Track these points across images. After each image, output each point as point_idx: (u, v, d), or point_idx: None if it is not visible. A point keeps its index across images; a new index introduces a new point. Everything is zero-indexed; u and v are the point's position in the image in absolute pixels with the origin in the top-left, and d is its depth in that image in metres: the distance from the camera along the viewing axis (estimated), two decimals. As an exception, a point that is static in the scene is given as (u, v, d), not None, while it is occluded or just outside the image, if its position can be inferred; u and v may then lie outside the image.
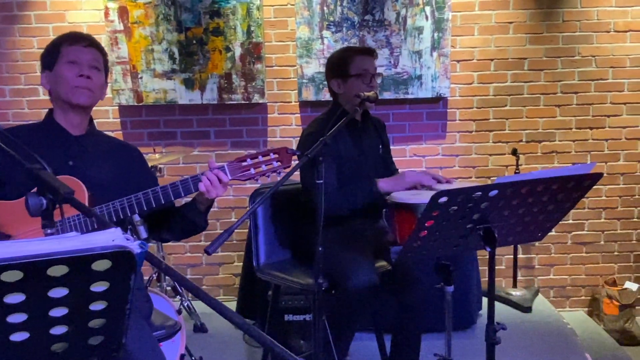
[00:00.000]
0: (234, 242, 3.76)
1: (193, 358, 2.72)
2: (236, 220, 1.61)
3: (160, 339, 1.97)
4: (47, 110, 1.92)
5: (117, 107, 3.66)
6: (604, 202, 3.78)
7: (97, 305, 0.90)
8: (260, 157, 1.81)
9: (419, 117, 3.73)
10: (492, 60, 3.66)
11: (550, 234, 1.92)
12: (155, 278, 3.32)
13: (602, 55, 3.64)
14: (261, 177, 1.82)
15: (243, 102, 3.61)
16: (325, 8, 3.52)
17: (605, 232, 3.80)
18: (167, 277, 3.26)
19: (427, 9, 3.53)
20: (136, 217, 2.24)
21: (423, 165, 3.74)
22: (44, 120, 1.91)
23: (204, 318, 3.31)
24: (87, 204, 1.71)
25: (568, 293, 3.87)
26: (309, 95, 3.60)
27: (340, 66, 2.49)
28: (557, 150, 3.73)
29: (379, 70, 2.71)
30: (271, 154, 1.81)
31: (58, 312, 0.88)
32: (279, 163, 1.81)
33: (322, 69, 2.61)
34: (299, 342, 2.91)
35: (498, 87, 3.69)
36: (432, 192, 1.54)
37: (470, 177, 3.76)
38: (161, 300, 2.59)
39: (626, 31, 3.62)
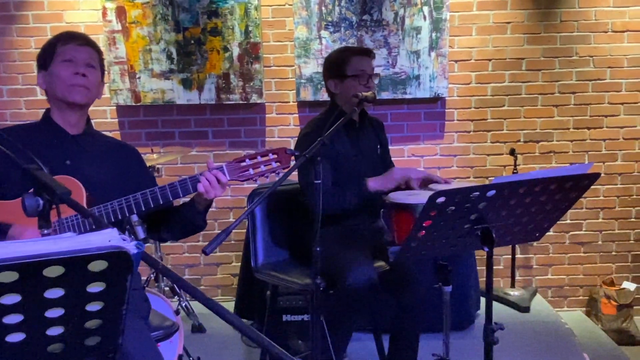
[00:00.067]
0: (232, 242, 3.76)
1: (191, 358, 2.72)
2: (234, 220, 1.61)
3: (158, 339, 1.96)
4: (44, 110, 1.92)
5: (114, 107, 3.66)
6: (602, 202, 3.78)
7: (94, 306, 0.90)
8: (259, 157, 1.81)
9: (417, 117, 3.73)
10: (490, 60, 3.66)
11: (548, 234, 1.92)
12: (153, 278, 3.31)
13: (600, 56, 3.64)
14: (260, 177, 1.81)
15: (241, 102, 3.61)
16: (323, 8, 3.52)
17: (603, 232, 3.81)
18: (165, 278, 3.26)
19: (425, 9, 3.53)
20: (134, 218, 2.24)
21: (421, 166, 3.74)
22: (41, 119, 1.91)
23: (202, 318, 3.30)
24: (85, 204, 1.71)
25: (566, 293, 3.87)
26: (307, 95, 3.60)
27: (337, 66, 2.49)
28: (554, 150, 3.73)
29: (376, 70, 2.71)
30: (270, 155, 1.81)
31: (54, 312, 0.88)
32: (278, 163, 1.81)
33: (320, 69, 2.62)
34: (297, 342, 2.91)
35: (496, 87, 3.69)
36: (430, 193, 1.54)
37: (468, 177, 3.76)
38: (159, 300, 2.59)
39: (624, 31, 3.62)
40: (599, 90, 3.68)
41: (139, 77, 3.55)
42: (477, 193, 1.56)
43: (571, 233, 3.81)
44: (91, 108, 1.96)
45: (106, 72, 3.38)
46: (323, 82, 2.63)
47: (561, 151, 3.73)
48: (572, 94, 3.69)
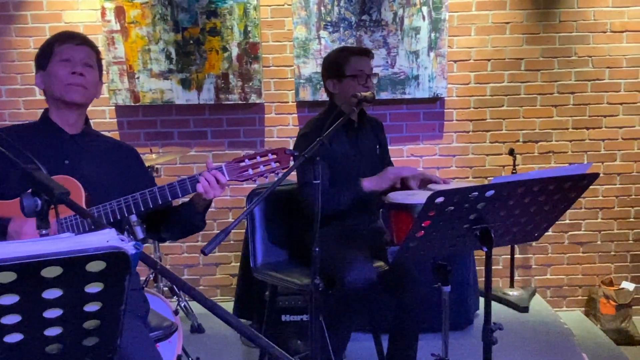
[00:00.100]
0: (231, 242, 3.75)
1: (190, 359, 2.72)
2: (233, 220, 1.61)
3: (156, 339, 1.96)
4: (43, 110, 1.92)
5: (113, 107, 3.65)
6: (601, 202, 3.78)
7: (92, 307, 0.90)
8: (258, 157, 1.80)
9: (416, 117, 3.73)
10: (489, 60, 3.66)
11: (547, 233, 1.92)
12: (152, 278, 3.31)
13: (599, 56, 3.64)
14: (259, 177, 1.81)
15: (240, 102, 3.60)
16: (322, 8, 3.52)
17: (602, 232, 3.81)
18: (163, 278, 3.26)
19: (424, 9, 3.53)
20: (133, 218, 2.23)
21: (420, 166, 3.74)
22: (39, 119, 1.91)
23: (201, 319, 3.30)
24: (84, 203, 1.70)
25: (565, 293, 3.87)
26: (306, 95, 3.60)
27: (335, 67, 2.50)
28: (553, 151, 3.73)
29: (375, 70, 2.71)
30: (269, 155, 1.81)
31: (52, 313, 0.88)
32: (277, 164, 1.81)
33: (319, 69, 2.62)
34: (296, 342, 2.91)
35: (495, 87, 3.69)
36: (429, 193, 1.54)
37: (468, 177, 3.76)
38: (158, 300, 2.59)
39: (622, 31, 3.62)
40: (597, 91, 3.68)
41: (138, 77, 3.55)
42: (476, 193, 1.56)
43: (570, 233, 3.81)
44: (90, 108, 1.96)
45: (105, 72, 3.41)
46: (322, 82, 2.63)
47: (560, 151, 3.73)
48: (571, 94, 3.69)
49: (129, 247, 0.85)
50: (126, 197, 1.75)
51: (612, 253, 3.83)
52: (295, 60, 3.58)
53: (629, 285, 3.68)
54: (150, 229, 2.06)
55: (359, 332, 2.95)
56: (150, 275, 3.29)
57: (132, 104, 3.59)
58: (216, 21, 3.52)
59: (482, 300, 3.19)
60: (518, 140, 3.73)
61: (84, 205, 1.70)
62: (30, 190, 1.19)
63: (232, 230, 1.60)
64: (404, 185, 2.41)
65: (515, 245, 3.72)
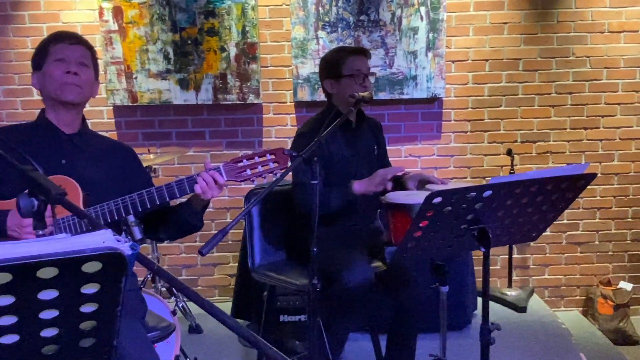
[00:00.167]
0: (229, 242, 3.75)
1: (188, 359, 2.71)
2: (231, 220, 1.61)
3: (154, 340, 1.96)
4: (40, 110, 1.92)
5: (111, 107, 3.65)
6: (599, 202, 3.78)
7: (88, 307, 0.90)
8: (256, 157, 1.80)
9: (414, 118, 3.73)
10: (487, 60, 3.67)
11: (544, 234, 1.92)
12: (150, 279, 3.31)
13: (597, 56, 3.65)
14: (257, 178, 1.81)
15: (238, 102, 3.60)
16: (320, 8, 3.52)
17: (599, 232, 3.81)
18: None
19: (422, 9, 3.53)
20: (131, 218, 2.23)
21: (418, 166, 3.74)
22: (36, 119, 1.91)
23: (199, 319, 3.30)
24: (81, 203, 1.70)
25: (563, 293, 3.87)
26: (304, 95, 3.60)
27: (333, 66, 2.49)
28: (551, 151, 3.74)
29: (373, 70, 2.70)
30: (267, 155, 1.81)
31: (48, 314, 0.87)
32: (275, 164, 1.81)
33: (317, 70, 2.62)
34: (294, 342, 2.91)
35: (493, 88, 3.69)
36: (427, 193, 1.54)
37: (466, 178, 3.76)
38: (156, 301, 2.58)
39: (620, 32, 3.63)
40: (595, 91, 3.69)
41: (136, 77, 3.55)
42: (474, 193, 1.56)
43: (568, 233, 3.81)
44: (88, 108, 1.96)
45: (103, 73, 3.41)
46: (320, 83, 2.63)
47: (558, 151, 3.73)
48: (569, 95, 3.69)
49: (125, 247, 0.85)
50: (124, 198, 1.74)
51: (610, 253, 3.83)
52: (293, 60, 3.57)
53: (626, 285, 3.69)
54: (148, 229, 2.06)
55: (357, 332, 2.95)
56: (148, 276, 3.29)
57: (130, 104, 3.59)
58: (214, 21, 3.51)
59: (480, 300, 3.20)
60: (516, 141, 3.73)
61: (81, 206, 1.70)
62: (26, 191, 1.19)
63: (230, 231, 1.60)
64: (402, 185, 2.41)
65: (513, 245, 3.72)
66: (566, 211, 3.32)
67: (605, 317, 3.61)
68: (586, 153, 3.73)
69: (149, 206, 1.76)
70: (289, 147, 2.93)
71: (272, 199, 2.63)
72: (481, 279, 1.79)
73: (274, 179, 1.80)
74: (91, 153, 1.91)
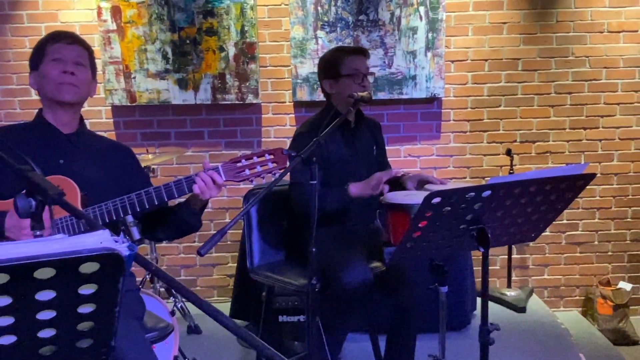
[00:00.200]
0: (228, 242, 3.75)
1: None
2: (230, 221, 1.60)
3: (153, 340, 1.95)
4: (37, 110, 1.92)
5: (110, 107, 3.64)
6: (598, 202, 3.78)
7: (86, 308, 0.89)
8: (255, 157, 1.80)
9: (414, 118, 3.72)
10: (486, 60, 3.66)
11: (544, 234, 1.92)
12: (148, 279, 3.30)
13: (596, 56, 3.65)
14: (256, 178, 1.81)
15: (237, 102, 3.60)
16: (319, 8, 3.52)
17: (599, 232, 3.81)
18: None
19: (422, 9, 3.52)
20: (129, 218, 2.23)
21: (418, 166, 3.74)
22: (34, 119, 1.91)
23: (197, 319, 3.29)
24: (79, 203, 1.70)
25: (562, 293, 3.87)
26: (303, 95, 3.59)
27: (331, 66, 2.49)
28: (551, 151, 3.73)
29: (373, 70, 2.70)
30: (266, 155, 1.81)
31: (46, 315, 0.87)
32: (274, 164, 1.81)
33: (316, 69, 2.62)
34: (293, 343, 2.90)
35: (492, 88, 3.69)
36: (426, 193, 1.54)
37: (465, 178, 3.76)
38: (154, 301, 2.57)
39: (619, 32, 3.63)
40: (594, 91, 3.68)
41: (134, 77, 3.54)
42: (473, 193, 1.55)
43: (567, 233, 3.81)
44: (86, 108, 1.96)
45: (101, 72, 3.40)
46: (319, 83, 2.62)
47: (557, 151, 3.73)
48: (568, 94, 3.69)
49: (122, 248, 0.84)
50: (122, 198, 1.74)
51: (610, 253, 3.83)
52: (292, 60, 3.57)
53: (626, 286, 3.69)
54: (146, 230, 2.06)
55: (356, 333, 2.95)
56: (147, 276, 3.28)
57: (129, 104, 3.58)
58: (213, 21, 3.51)
59: (479, 300, 3.20)
60: (515, 141, 3.73)
61: (79, 206, 1.70)
62: (24, 191, 1.18)
63: (229, 231, 1.59)
64: (401, 185, 2.40)
65: (513, 246, 3.72)
66: (565, 211, 3.31)
67: (604, 318, 3.61)
68: (585, 153, 3.73)
69: (147, 206, 1.75)
70: (287, 147, 2.93)
71: (271, 199, 2.63)
72: (480, 279, 1.79)
73: (272, 179, 1.79)
74: (89, 153, 1.90)
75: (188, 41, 3.52)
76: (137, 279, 3.10)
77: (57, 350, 0.93)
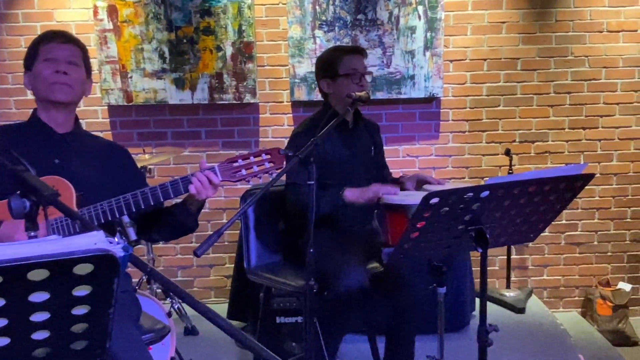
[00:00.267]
0: (226, 243, 3.73)
1: (184, 361, 2.69)
2: (227, 221, 1.59)
3: (149, 342, 1.94)
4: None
5: (106, 107, 3.62)
6: (598, 202, 3.78)
7: (80, 310, 0.88)
8: (252, 157, 1.79)
9: (412, 117, 3.71)
10: (485, 60, 3.65)
11: (543, 234, 1.91)
12: (145, 280, 3.28)
13: (595, 56, 3.64)
14: (253, 178, 1.79)
15: (234, 102, 3.58)
16: (317, 7, 3.50)
17: (598, 233, 3.80)
18: (157, 279, 3.23)
19: (420, 8, 3.51)
20: (125, 219, 2.22)
21: (416, 166, 3.73)
22: (29, 119, 1.90)
23: (194, 321, 3.28)
24: (74, 203, 1.68)
25: (561, 294, 3.86)
26: (301, 95, 3.58)
27: (329, 66, 2.48)
28: (550, 151, 3.73)
29: (371, 70, 2.69)
30: (263, 155, 1.79)
31: (39, 316, 0.86)
32: (271, 164, 1.79)
33: (314, 69, 2.61)
34: (291, 344, 2.89)
35: (491, 87, 3.68)
36: (424, 193, 1.53)
37: (464, 178, 3.75)
38: (151, 302, 2.56)
39: (619, 31, 3.62)
40: (594, 90, 3.68)
41: (131, 77, 3.52)
42: (471, 194, 1.54)
43: (567, 233, 3.80)
44: (82, 108, 1.95)
45: (98, 72, 3.39)
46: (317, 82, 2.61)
47: (556, 151, 3.72)
48: (568, 94, 3.69)
49: (117, 249, 0.83)
50: (117, 198, 1.73)
51: (609, 253, 3.82)
52: (290, 59, 3.56)
53: (625, 286, 3.68)
54: (142, 230, 2.05)
55: (354, 334, 2.94)
56: (144, 277, 3.26)
57: (125, 104, 3.56)
58: (210, 20, 3.49)
59: (478, 301, 3.18)
60: (514, 141, 3.72)
61: (74, 206, 1.68)
62: (18, 192, 1.17)
63: (226, 232, 1.58)
64: (400, 186, 2.39)
65: (512, 246, 3.71)
66: (565, 211, 3.31)
67: (604, 318, 3.60)
68: (585, 153, 3.72)
69: (142, 206, 1.74)
70: (285, 147, 2.91)
71: (269, 200, 2.61)
72: (479, 280, 1.78)
73: (270, 179, 1.78)
74: (85, 153, 1.89)
75: (185, 40, 3.51)
76: (134, 280, 3.08)
77: (51, 352, 0.92)
